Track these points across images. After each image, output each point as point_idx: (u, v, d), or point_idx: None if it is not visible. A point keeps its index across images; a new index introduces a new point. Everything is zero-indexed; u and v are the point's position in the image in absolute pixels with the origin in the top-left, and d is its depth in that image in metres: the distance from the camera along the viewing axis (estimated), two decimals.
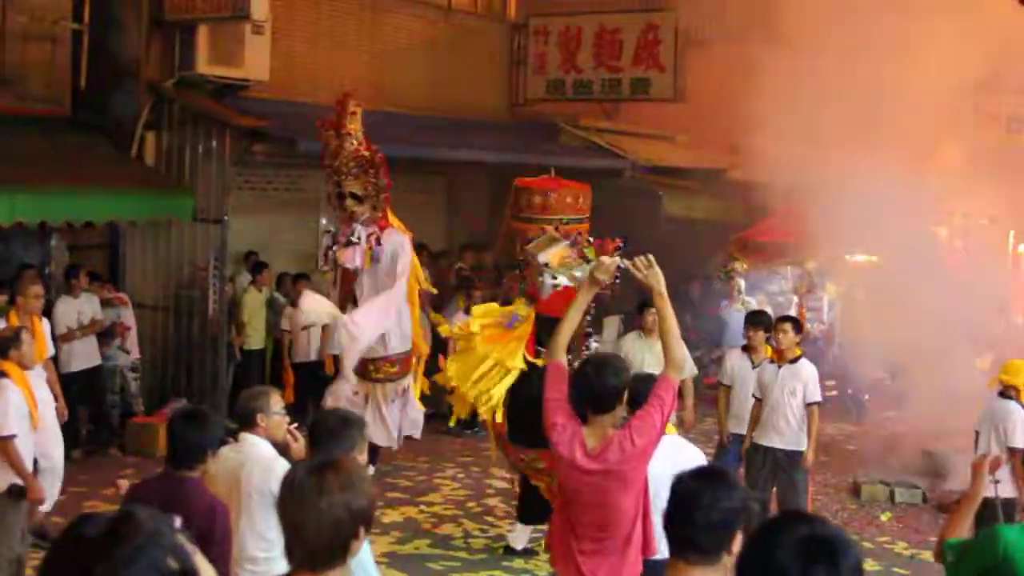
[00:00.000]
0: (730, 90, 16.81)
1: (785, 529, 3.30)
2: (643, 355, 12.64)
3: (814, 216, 16.07)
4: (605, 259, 7.00)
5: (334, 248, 12.24)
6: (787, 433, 11.53)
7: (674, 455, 6.86)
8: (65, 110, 15.40)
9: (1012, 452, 10.78)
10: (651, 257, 6.54)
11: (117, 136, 15.56)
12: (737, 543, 4.08)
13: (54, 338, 13.44)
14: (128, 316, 15.06)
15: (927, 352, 14.58)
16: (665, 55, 20.08)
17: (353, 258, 12.07)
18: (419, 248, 18.45)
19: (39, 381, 10.52)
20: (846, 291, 19.51)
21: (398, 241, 12.23)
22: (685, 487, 4.15)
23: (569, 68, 20.92)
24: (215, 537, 6.14)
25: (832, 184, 15.42)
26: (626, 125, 21.51)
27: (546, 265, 11.10)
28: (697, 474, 4.27)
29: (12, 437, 9.29)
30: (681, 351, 6.45)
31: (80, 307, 14.29)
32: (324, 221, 13.29)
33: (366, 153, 12.32)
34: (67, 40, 15.31)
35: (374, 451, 12.02)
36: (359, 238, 12.05)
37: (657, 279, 6.45)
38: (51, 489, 10.34)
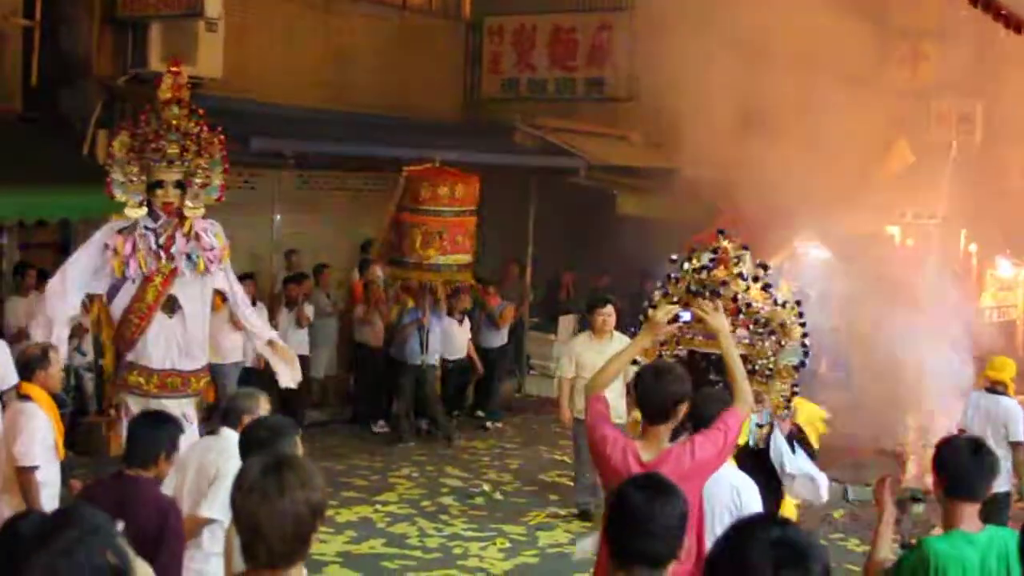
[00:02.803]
0: (685, 90, 16.88)
1: (757, 531, 3.33)
2: (593, 357, 12.27)
3: (768, 215, 16.17)
4: (665, 305, 6.83)
5: (162, 250, 10.46)
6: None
7: (734, 482, 6.66)
8: (16, 108, 15.27)
9: (1016, 447, 11.17)
10: (717, 301, 6.56)
11: (69, 134, 15.39)
12: (684, 550, 4.15)
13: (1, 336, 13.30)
14: (86, 318, 14.92)
15: (881, 349, 14.69)
16: (619, 55, 20.10)
17: (217, 266, 10.73)
18: (371, 245, 18.39)
19: None
20: (799, 290, 19.59)
21: (221, 231, 10.93)
22: (634, 498, 4.15)
23: (524, 67, 20.89)
24: (166, 537, 6.13)
25: (785, 183, 15.53)
26: (581, 124, 21.52)
27: None
28: (642, 484, 4.26)
29: (35, 468, 8.47)
30: (748, 386, 6.41)
31: (29, 306, 14.16)
32: (201, 223, 10.82)
33: (205, 134, 10.73)
34: (18, 37, 15.19)
35: None
36: (210, 243, 10.63)
37: (721, 322, 6.50)
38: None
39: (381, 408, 17.19)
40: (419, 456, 15.62)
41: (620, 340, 12.20)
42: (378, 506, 13.12)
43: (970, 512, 5.46)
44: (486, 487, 14.24)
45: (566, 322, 20.77)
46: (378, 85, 18.98)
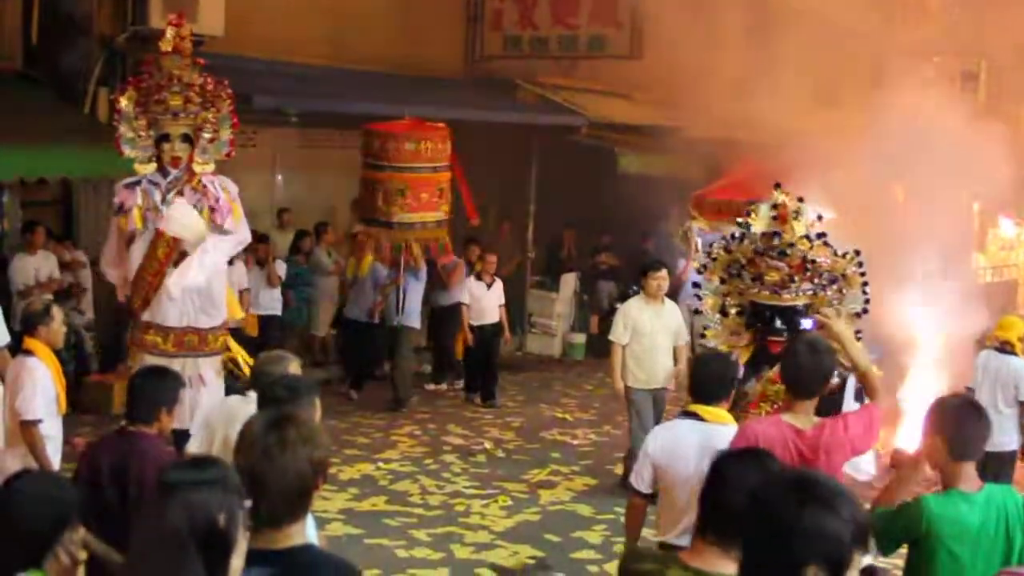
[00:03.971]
0: (688, 47, 16.78)
1: (782, 476, 3.39)
2: (651, 321, 12.09)
3: (772, 174, 16.09)
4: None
5: (163, 205, 10.48)
6: None
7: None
8: (16, 65, 15.22)
9: None
10: (839, 308, 6.64)
11: (69, 91, 15.36)
12: None
13: (9, 296, 13.33)
14: (85, 278, 14.97)
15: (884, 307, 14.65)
16: (622, 12, 20.00)
17: (225, 219, 10.70)
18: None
19: None
20: None
21: (234, 189, 10.94)
22: (719, 465, 4.13)
23: (526, 25, 20.80)
24: None
25: (788, 142, 15.45)
26: (583, 82, 21.46)
27: None
28: (737, 454, 4.26)
29: (38, 422, 8.50)
30: (879, 385, 6.42)
31: (38, 264, 14.20)
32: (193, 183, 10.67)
33: (210, 87, 10.81)
34: None
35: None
36: (216, 195, 10.65)
37: (843, 328, 6.63)
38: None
39: (375, 368, 16.91)
40: (421, 414, 15.65)
41: (672, 305, 12.23)
42: (380, 464, 13.15)
43: (968, 471, 5.45)
44: (488, 445, 14.28)
45: (567, 280, 20.78)
46: (380, 42, 18.89)
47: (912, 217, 14.92)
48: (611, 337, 12.37)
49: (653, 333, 12.07)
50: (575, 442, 14.65)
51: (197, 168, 10.67)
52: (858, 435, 6.05)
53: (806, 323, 7.35)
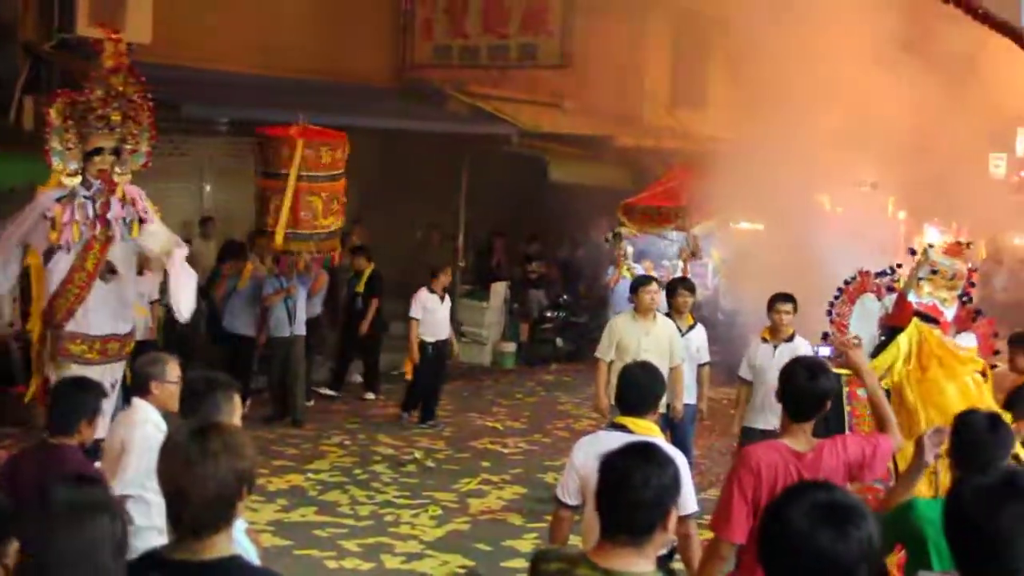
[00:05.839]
0: (618, 57, 16.87)
1: (803, 494, 3.39)
2: (637, 338, 11.55)
3: (700, 182, 16.24)
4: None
5: (97, 218, 10.51)
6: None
7: None
8: None
9: None
10: (860, 337, 6.64)
11: None
12: (671, 521, 4.06)
13: None
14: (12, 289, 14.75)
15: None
16: (553, 21, 20.03)
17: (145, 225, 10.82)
18: None
19: None
20: (729, 258, 19.71)
21: (143, 195, 10.91)
22: (615, 466, 4.10)
23: (456, 34, 20.78)
24: None
25: (716, 152, 15.58)
26: (513, 91, 21.47)
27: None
28: (626, 451, 4.18)
29: None
30: (895, 422, 6.43)
31: None
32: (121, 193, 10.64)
33: (139, 99, 10.79)
34: None
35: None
36: (144, 206, 10.72)
37: (862, 358, 6.64)
38: None
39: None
40: (352, 424, 15.60)
41: (664, 321, 11.84)
42: (309, 474, 13.09)
43: None
44: (418, 454, 14.25)
45: (497, 289, 20.80)
46: (310, 51, 18.83)
47: (838, 225, 15.10)
48: (596, 354, 11.98)
49: (638, 350, 11.25)
50: (506, 451, 14.67)
51: (117, 179, 10.65)
52: (856, 459, 5.99)
53: (824, 351, 7.38)
